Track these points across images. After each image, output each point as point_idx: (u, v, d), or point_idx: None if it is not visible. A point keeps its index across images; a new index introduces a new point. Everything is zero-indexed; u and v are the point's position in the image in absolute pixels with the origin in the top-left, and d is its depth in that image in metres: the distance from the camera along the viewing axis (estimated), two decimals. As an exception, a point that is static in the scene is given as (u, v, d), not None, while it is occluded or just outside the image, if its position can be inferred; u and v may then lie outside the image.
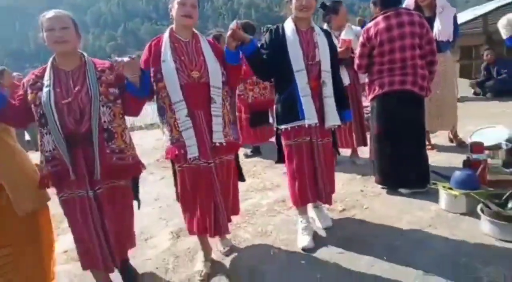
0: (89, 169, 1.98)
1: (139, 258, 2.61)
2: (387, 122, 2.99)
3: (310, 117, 2.31)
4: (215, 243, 2.57)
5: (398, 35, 2.83)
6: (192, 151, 2.12)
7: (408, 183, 3.01)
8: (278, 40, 2.37)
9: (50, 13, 1.98)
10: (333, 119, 2.42)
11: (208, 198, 2.19)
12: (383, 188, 3.17)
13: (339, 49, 3.15)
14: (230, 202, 2.37)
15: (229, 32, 2.15)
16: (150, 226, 3.07)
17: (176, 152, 2.17)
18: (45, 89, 1.95)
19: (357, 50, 3.09)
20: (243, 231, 2.79)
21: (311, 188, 2.43)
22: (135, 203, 2.30)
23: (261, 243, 2.60)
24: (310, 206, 2.69)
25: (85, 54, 2.12)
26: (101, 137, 2.00)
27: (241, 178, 2.55)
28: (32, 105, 1.98)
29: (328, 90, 2.40)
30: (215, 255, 2.49)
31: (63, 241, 2.91)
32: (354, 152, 3.99)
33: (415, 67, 2.87)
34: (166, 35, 2.20)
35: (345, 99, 2.62)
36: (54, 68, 2.02)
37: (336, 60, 2.59)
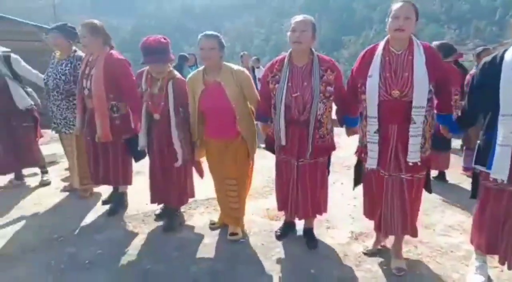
0: (300, 146, 2.46)
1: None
2: None
3: (498, 172, 1.91)
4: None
5: None
6: (371, 163, 2.26)
7: None
8: (494, 70, 1.94)
9: (298, 17, 2.38)
10: None
11: (378, 203, 2.33)
12: None
13: None
14: (407, 216, 2.29)
15: None
16: (337, 218, 3.23)
17: (362, 154, 2.38)
18: (281, 84, 2.42)
19: None
20: (425, 268, 2.51)
21: (501, 242, 2.02)
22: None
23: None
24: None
25: (314, 52, 2.42)
26: (315, 125, 2.39)
27: (428, 188, 2.40)
28: (271, 93, 2.50)
29: None
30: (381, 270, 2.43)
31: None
32: None
33: None
34: (380, 47, 2.19)
35: None
36: (290, 63, 2.45)
37: None
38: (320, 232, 2.97)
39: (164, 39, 2.76)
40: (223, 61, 2.67)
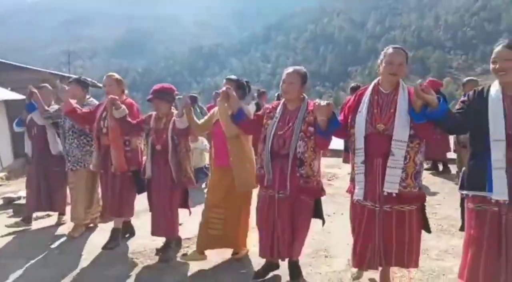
0: (281, 179, 2.55)
1: None
2: None
3: (499, 193, 1.99)
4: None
5: None
6: (358, 194, 2.36)
7: None
8: (480, 102, 2.11)
9: (289, 69, 2.63)
10: None
11: (367, 238, 2.36)
12: None
13: None
14: (404, 250, 2.34)
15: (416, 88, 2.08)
16: (335, 247, 3.33)
17: (351, 189, 2.48)
18: (272, 121, 2.64)
19: None
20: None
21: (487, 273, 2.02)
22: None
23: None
24: None
25: (306, 97, 2.65)
26: (294, 163, 2.53)
27: (427, 229, 2.46)
28: (263, 128, 2.70)
29: None
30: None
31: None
32: None
33: None
34: (370, 87, 2.42)
35: None
36: (283, 105, 2.68)
37: None
38: (317, 260, 3.08)
39: (169, 86, 3.33)
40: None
